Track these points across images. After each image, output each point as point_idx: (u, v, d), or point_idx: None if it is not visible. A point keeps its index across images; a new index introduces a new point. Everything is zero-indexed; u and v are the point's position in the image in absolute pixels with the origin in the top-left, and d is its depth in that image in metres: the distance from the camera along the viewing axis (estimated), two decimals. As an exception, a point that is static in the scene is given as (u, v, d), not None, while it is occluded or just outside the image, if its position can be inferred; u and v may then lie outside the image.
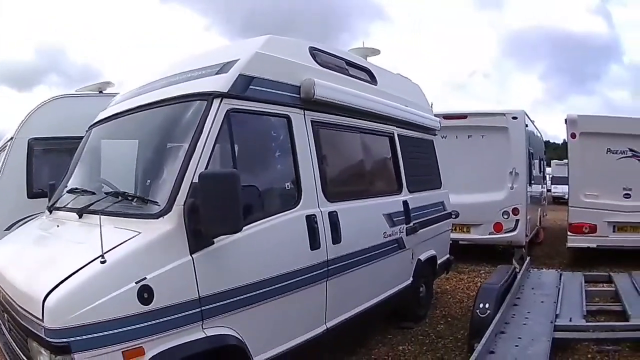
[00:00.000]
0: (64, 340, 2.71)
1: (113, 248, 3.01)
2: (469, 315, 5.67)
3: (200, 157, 3.40)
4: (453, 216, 7.42)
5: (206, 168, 3.39)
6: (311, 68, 4.60)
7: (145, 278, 3.00)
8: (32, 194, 6.86)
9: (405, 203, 5.83)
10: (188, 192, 3.28)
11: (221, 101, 3.61)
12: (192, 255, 3.26)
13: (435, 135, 7.40)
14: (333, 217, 4.41)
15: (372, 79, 5.83)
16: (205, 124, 3.50)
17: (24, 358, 3.31)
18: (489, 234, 10.20)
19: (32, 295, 2.95)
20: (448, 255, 7.56)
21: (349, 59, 5.54)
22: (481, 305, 5.21)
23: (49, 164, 7.02)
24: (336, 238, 4.40)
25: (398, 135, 6.02)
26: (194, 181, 3.28)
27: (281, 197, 4.18)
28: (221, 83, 3.70)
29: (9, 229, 6.29)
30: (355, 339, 5.62)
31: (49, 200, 4.82)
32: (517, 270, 6.88)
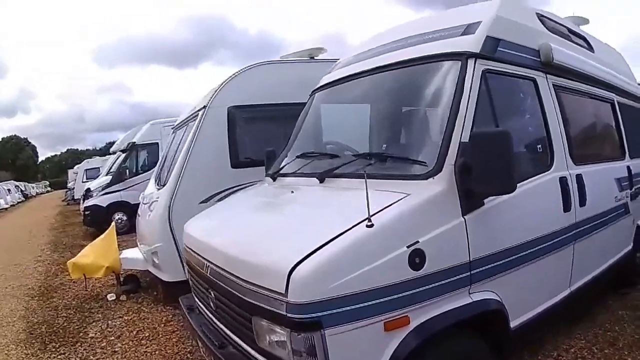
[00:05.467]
0: (313, 315, 2.32)
1: (380, 211, 2.61)
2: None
3: (465, 117, 2.98)
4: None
5: (472, 128, 2.96)
6: (544, 33, 4.09)
7: (417, 242, 2.60)
8: (237, 164, 6.25)
9: (628, 168, 5.13)
10: (457, 152, 2.86)
11: (475, 61, 3.18)
12: (464, 217, 2.85)
13: (644, 103, 6.49)
14: (579, 180, 3.91)
15: (589, 47, 5.16)
16: (465, 83, 3.09)
17: (235, 338, 3.02)
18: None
19: (271, 267, 2.54)
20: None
21: (569, 26, 4.93)
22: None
23: (250, 133, 6.43)
24: (582, 200, 3.90)
25: (617, 102, 5.32)
26: (462, 141, 2.87)
27: (536, 159, 3.71)
28: (472, 43, 3.27)
29: (206, 201, 5.88)
30: (579, 307, 5.10)
31: (268, 168, 4.43)
32: None
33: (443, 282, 2.72)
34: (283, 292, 2.38)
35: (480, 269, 2.94)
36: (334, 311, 2.35)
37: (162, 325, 6.01)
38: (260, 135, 6.26)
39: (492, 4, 3.71)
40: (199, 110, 6.51)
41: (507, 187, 2.84)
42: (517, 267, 3.24)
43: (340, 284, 2.37)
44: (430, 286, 2.66)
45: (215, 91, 6.43)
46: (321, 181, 3.44)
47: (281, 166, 4.22)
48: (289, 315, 2.35)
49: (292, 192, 3.69)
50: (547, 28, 4.26)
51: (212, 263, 3.21)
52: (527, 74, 3.71)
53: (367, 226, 2.51)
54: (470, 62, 3.19)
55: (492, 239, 3.06)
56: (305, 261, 2.39)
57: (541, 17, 4.29)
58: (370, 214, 2.53)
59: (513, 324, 3.24)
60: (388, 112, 4.06)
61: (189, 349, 5.18)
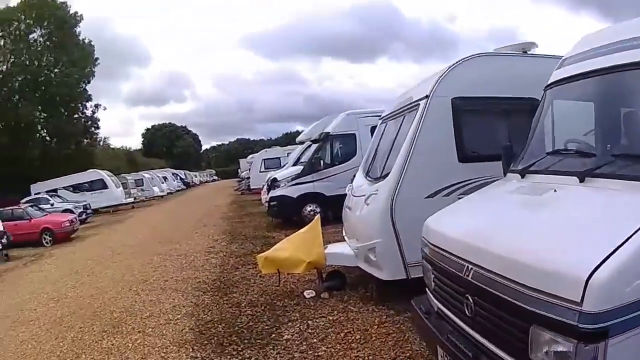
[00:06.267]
0: (603, 324, 2.21)
1: None
2: None
3: None
4: None
5: None
6: None
7: None
8: (465, 158, 5.93)
9: None
10: None
11: None
12: None
13: None
14: None
15: None
16: None
17: (494, 349, 2.85)
18: None
19: (564, 272, 2.41)
20: None
21: None
22: None
23: (475, 126, 6.12)
24: None
25: None
26: None
27: None
28: None
29: (432, 196, 5.69)
30: None
31: (508, 164, 4.22)
32: None
33: None
34: (577, 300, 2.27)
35: None
36: (620, 319, 2.25)
37: (376, 327, 5.43)
38: (485, 129, 6.07)
39: None
40: (419, 100, 6.24)
41: None
42: None
43: (631, 290, 2.27)
44: None
45: (437, 81, 6.13)
46: (581, 180, 3.27)
47: (527, 163, 4.06)
48: (580, 325, 2.25)
49: (555, 190, 3.43)
50: None
51: (478, 266, 3.05)
52: None
53: None
54: None
55: None
56: (601, 267, 2.29)
57: None
58: None
59: None
60: (621, 113, 3.83)
61: (407, 354, 4.72)
